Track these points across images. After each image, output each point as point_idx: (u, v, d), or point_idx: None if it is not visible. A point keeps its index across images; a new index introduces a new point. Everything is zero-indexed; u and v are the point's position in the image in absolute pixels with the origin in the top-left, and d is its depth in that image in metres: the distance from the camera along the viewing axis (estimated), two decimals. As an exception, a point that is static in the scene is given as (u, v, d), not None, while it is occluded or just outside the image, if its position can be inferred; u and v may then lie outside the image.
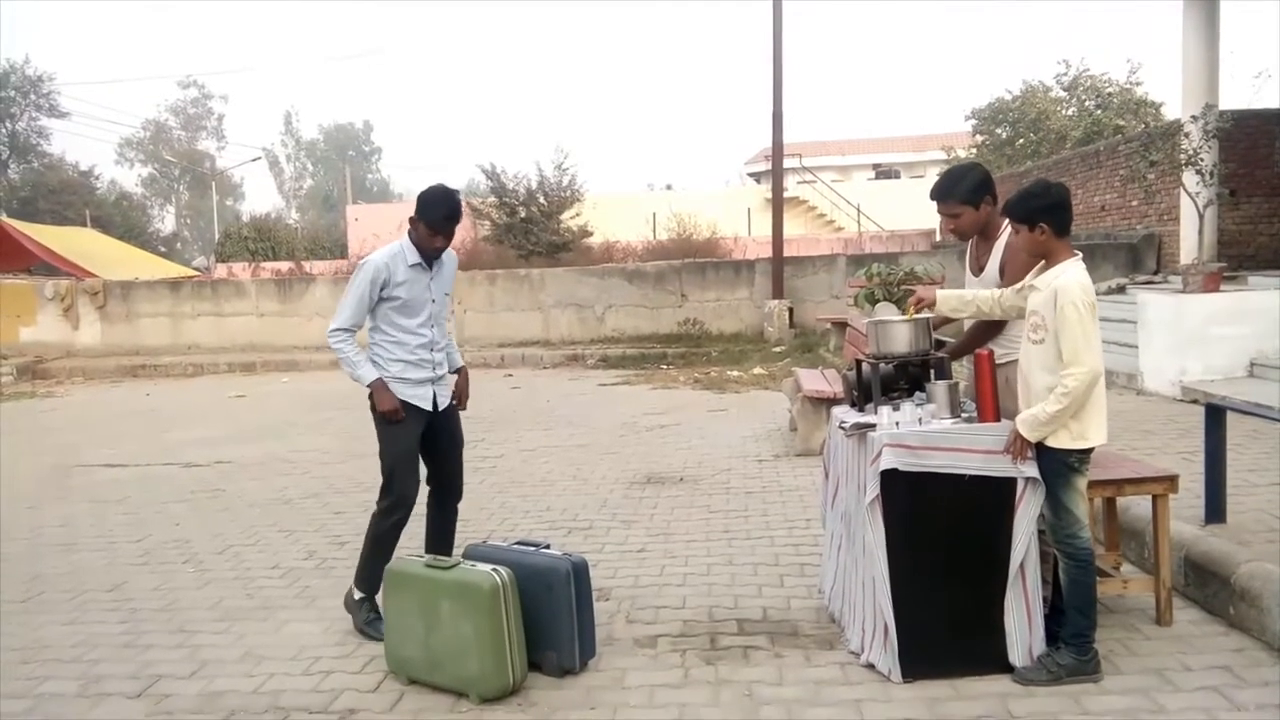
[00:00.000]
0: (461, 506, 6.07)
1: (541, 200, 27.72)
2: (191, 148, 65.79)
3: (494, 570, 3.43)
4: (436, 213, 3.98)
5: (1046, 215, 3.34)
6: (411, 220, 4.03)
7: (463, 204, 4.17)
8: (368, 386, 4.02)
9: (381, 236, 28.35)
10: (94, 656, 3.98)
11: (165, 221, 63.99)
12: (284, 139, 74.20)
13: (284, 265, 25.46)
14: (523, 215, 27.59)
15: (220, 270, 28.97)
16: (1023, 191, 3.42)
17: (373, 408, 4.09)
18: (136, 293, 17.55)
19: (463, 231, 28.66)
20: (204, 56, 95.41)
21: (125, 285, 17.86)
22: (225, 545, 5.56)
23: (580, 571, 3.61)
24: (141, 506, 6.59)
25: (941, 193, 3.85)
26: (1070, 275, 3.30)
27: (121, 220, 47.14)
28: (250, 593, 4.72)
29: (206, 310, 17.29)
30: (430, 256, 4.06)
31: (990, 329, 3.82)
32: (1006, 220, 3.60)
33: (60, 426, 10.60)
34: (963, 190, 3.77)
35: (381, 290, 3.99)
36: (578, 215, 27.80)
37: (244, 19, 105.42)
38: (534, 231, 26.80)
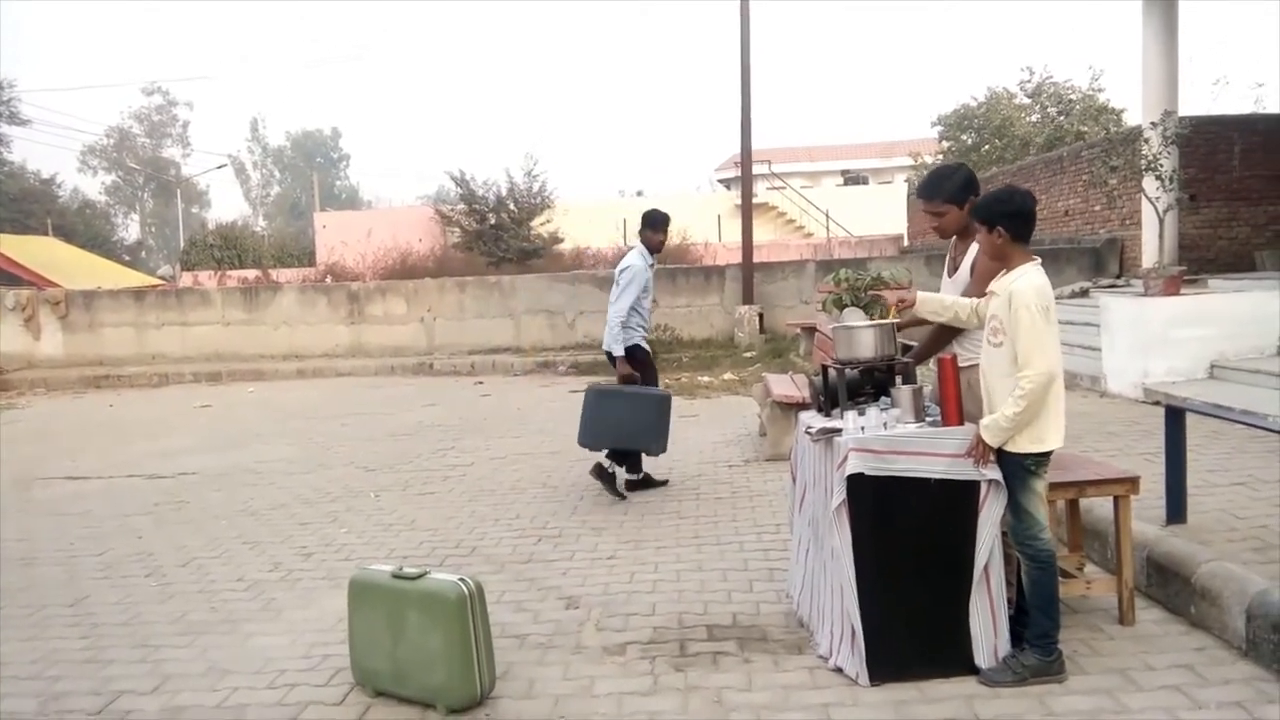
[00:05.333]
0: (429, 516, 6.12)
1: (511, 207, 27.72)
2: (156, 155, 64.85)
3: (460, 580, 3.42)
4: (666, 221, 6.58)
5: (1005, 220, 3.41)
6: (646, 234, 6.52)
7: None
8: (619, 354, 6.34)
9: (350, 244, 28.24)
10: (54, 673, 3.91)
11: (129, 230, 63.22)
12: (250, 146, 73.46)
13: (251, 273, 25.24)
14: (493, 222, 27.56)
15: (186, 279, 28.59)
16: (992, 194, 3.51)
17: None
18: (100, 302, 17.28)
19: (432, 239, 28.69)
20: (168, 63, 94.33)
21: (88, 295, 17.57)
22: (189, 558, 5.49)
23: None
24: (104, 519, 6.48)
25: (927, 191, 3.90)
26: (1025, 279, 3.36)
27: (84, 229, 46.50)
28: (214, 606, 4.65)
29: (171, 319, 17.04)
30: (655, 253, 6.58)
31: (951, 332, 3.86)
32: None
33: (21, 438, 10.41)
34: (948, 189, 3.83)
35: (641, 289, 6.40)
36: (548, 222, 27.79)
37: (208, 25, 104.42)
38: (504, 238, 26.78)
